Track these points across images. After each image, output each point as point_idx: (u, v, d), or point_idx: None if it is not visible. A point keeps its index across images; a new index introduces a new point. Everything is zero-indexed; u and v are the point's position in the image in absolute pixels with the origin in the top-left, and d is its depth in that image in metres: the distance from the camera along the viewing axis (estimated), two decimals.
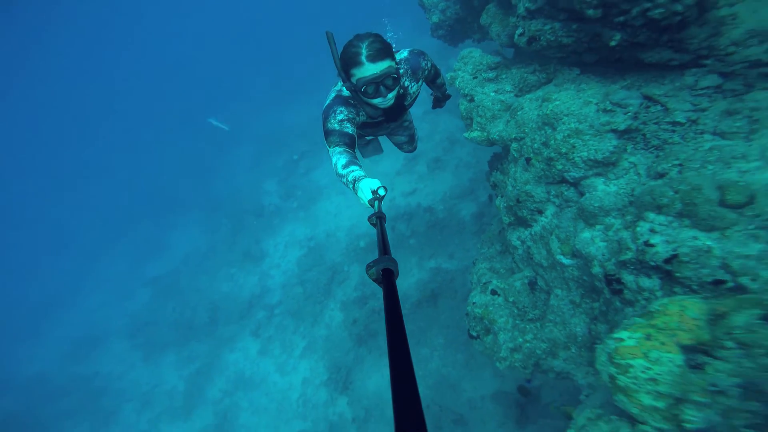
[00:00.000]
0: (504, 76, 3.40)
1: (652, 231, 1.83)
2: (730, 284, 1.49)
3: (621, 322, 1.62)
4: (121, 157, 20.81)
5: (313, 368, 6.62)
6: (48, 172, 25.05)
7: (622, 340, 1.29)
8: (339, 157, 1.78)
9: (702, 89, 2.21)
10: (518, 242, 2.99)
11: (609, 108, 2.37)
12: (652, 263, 1.79)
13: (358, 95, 1.83)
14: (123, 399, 7.88)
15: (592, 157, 2.32)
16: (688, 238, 1.69)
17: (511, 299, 2.84)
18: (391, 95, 1.82)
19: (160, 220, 12.66)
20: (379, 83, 1.73)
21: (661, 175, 2.04)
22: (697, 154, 1.95)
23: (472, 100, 3.41)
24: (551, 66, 3.01)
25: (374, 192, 1.53)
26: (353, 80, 1.75)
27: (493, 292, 2.95)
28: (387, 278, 0.76)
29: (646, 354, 1.20)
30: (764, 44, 2.03)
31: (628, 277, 1.95)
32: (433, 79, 2.38)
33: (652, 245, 1.80)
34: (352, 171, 1.69)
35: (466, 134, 3.43)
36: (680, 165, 1.97)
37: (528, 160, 2.72)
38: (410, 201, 6.89)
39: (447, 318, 5.45)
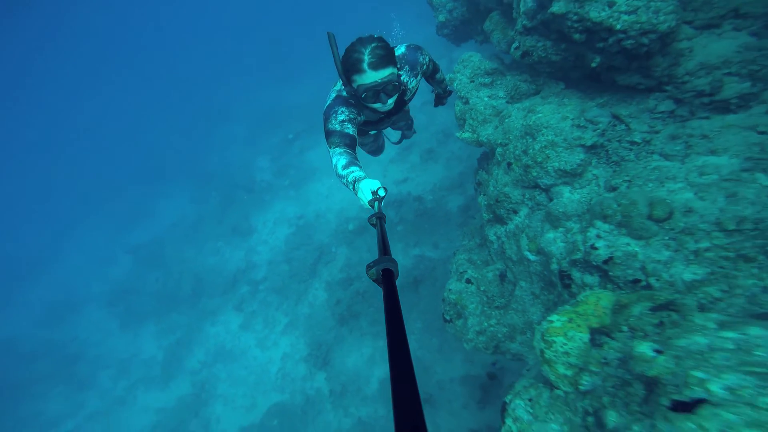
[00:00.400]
0: (499, 82, 3.75)
1: (598, 236, 2.24)
2: (643, 283, 1.92)
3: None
4: (114, 124, 20.77)
5: (293, 344, 7.05)
6: (38, 133, 24.86)
7: (552, 322, 1.70)
8: (339, 158, 1.83)
9: (659, 113, 2.61)
10: (494, 237, 3.40)
11: (582, 124, 2.76)
12: (594, 263, 2.21)
13: (358, 99, 1.88)
14: (99, 366, 8.23)
15: (562, 168, 2.72)
16: (622, 244, 2.11)
17: (482, 288, 3.27)
18: (391, 100, 1.87)
19: (149, 187, 12.86)
20: (379, 91, 1.77)
21: (613, 189, 2.45)
22: (644, 172, 2.36)
23: (467, 102, 3.76)
24: (541, 78, 3.37)
25: (374, 193, 1.58)
26: (354, 85, 1.80)
27: (468, 281, 3.38)
28: (387, 279, 0.79)
29: (565, 333, 1.61)
30: (709, 76, 2.43)
31: (576, 274, 2.37)
32: (431, 74, 2.44)
33: (596, 248, 2.21)
34: (353, 172, 1.74)
35: (458, 134, 3.79)
36: (629, 181, 2.37)
37: (509, 164, 3.11)
38: (401, 189, 7.26)
39: (426, 304, 5.91)
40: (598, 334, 1.57)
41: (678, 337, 1.32)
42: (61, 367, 8.55)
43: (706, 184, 2.04)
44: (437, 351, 5.55)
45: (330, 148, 1.91)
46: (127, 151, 16.60)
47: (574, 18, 2.56)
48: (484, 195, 3.54)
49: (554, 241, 2.65)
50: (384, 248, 0.95)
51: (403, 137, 3.41)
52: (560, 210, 2.68)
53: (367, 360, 6.02)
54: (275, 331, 7.43)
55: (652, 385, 1.35)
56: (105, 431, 7.25)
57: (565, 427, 1.56)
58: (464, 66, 3.91)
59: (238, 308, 7.82)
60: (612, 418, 1.40)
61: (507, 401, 1.92)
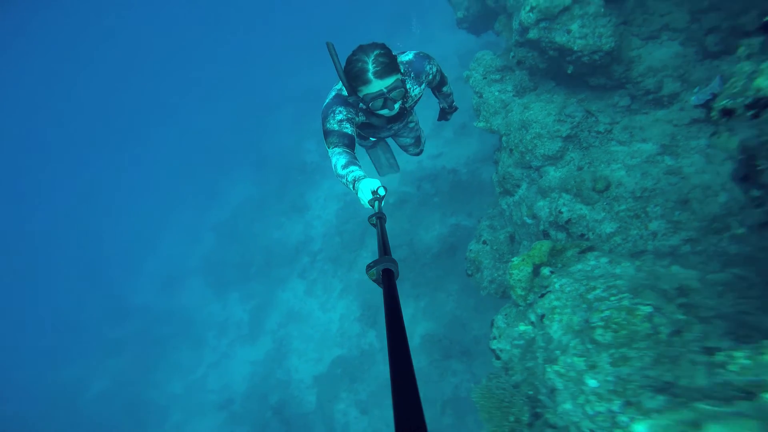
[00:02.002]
0: (508, 77, 4.81)
1: (564, 204, 3.43)
2: (586, 236, 3.12)
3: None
4: (177, 119, 24.14)
5: (348, 307, 8.72)
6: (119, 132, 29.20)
7: (513, 261, 2.95)
8: (338, 158, 1.94)
9: (620, 107, 3.65)
10: (505, 206, 4.61)
11: (562, 119, 3.85)
12: (560, 223, 3.41)
13: (364, 106, 2.00)
14: (205, 327, 10.70)
15: (546, 154, 3.86)
16: (577, 209, 3.29)
17: (495, 247, 4.53)
18: (398, 105, 1.99)
19: (216, 173, 15.37)
20: (386, 98, 1.88)
21: (580, 168, 3.58)
22: (601, 155, 3.47)
23: (481, 96, 4.88)
24: (537, 76, 4.42)
25: (374, 192, 1.68)
26: (360, 95, 1.90)
27: (484, 242, 4.65)
28: (387, 279, 0.85)
29: (519, 268, 2.85)
30: (654, 78, 3.43)
31: (552, 232, 3.58)
32: (438, 86, 2.58)
33: (561, 213, 3.41)
34: (352, 171, 1.85)
35: (475, 123, 4.95)
36: (590, 162, 3.50)
37: (511, 150, 4.27)
38: (436, 163, 8.45)
39: (462, 268, 7.22)
40: (538, 267, 2.81)
41: (570, 266, 2.56)
42: (180, 330, 11.34)
43: (633, 164, 3.15)
44: (473, 309, 6.84)
45: (329, 148, 2.03)
46: (195, 141, 19.50)
47: (546, 41, 3.63)
48: (496, 173, 4.73)
49: (542, 208, 3.84)
50: (384, 248, 1.01)
51: (410, 154, 3.67)
52: (546, 184, 3.85)
53: (409, 318, 7.46)
54: (333, 296, 9.13)
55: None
56: (221, 377, 9.59)
57: (524, 326, 2.85)
58: (478, 64, 5.00)
59: (302, 276, 9.61)
60: (542, 309, 2.68)
61: (494, 318, 3.22)
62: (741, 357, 1.29)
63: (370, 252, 8.73)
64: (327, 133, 2.05)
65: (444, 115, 3.07)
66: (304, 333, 9.15)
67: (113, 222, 20.24)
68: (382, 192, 1.70)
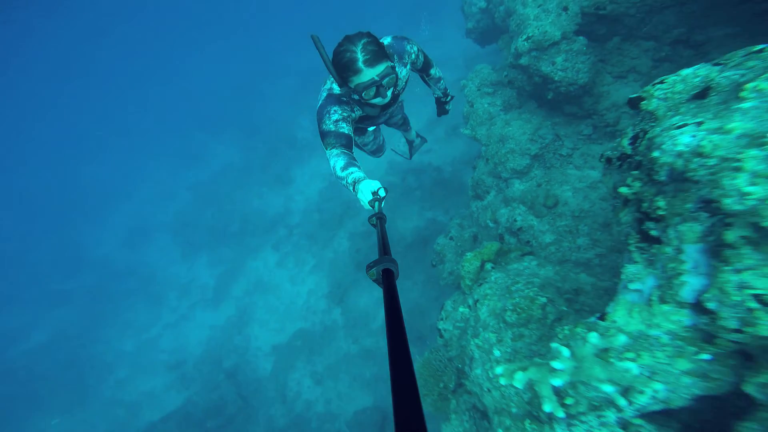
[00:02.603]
0: (499, 92, 5.43)
1: (519, 214, 4.10)
2: (532, 243, 3.79)
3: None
4: (176, 76, 24.24)
5: (318, 283, 9.33)
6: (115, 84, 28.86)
7: (466, 256, 3.60)
8: (337, 160, 1.99)
9: (583, 135, 4.32)
10: (474, 209, 5.27)
11: (534, 139, 4.50)
12: (513, 230, 4.08)
13: (357, 97, 2.04)
14: (167, 287, 11.09)
15: (515, 168, 4.51)
16: (528, 219, 3.96)
17: (459, 244, 5.20)
18: (390, 92, 2.05)
19: (204, 133, 15.58)
20: (379, 86, 1.93)
21: (539, 185, 4.25)
22: (559, 177, 4.14)
23: (472, 106, 5.48)
24: (524, 96, 5.05)
25: (374, 193, 1.72)
26: (351, 85, 1.94)
27: (451, 238, 5.31)
28: (387, 279, 0.87)
29: (471, 261, 3.51)
30: (616, 113, 4.10)
31: (506, 236, 4.25)
32: (424, 69, 2.63)
33: (516, 221, 4.08)
34: (352, 173, 1.89)
35: (462, 129, 5.56)
36: (548, 181, 4.17)
37: (487, 160, 4.91)
38: (423, 159, 9.07)
39: (431, 260, 7.91)
40: (485, 263, 3.47)
41: (509, 264, 3.22)
42: (140, 286, 11.65)
43: (580, 188, 3.83)
44: (434, 299, 7.56)
45: (326, 149, 2.09)
46: (189, 99, 19.63)
47: (534, 68, 4.25)
48: (472, 178, 5.37)
49: (503, 215, 4.51)
50: (384, 248, 1.06)
51: (412, 147, 4.00)
52: (510, 195, 4.52)
53: (375, 301, 8.12)
54: (304, 270, 9.72)
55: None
56: (176, 339, 10.05)
57: (463, 308, 3.52)
58: (475, 76, 5.60)
59: (276, 248, 10.16)
60: (478, 296, 3.35)
61: (444, 303, 3.88)
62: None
63: (347, 233, 9.31)
64: (324, 134, 2.11)
65: (442, 107, 3.14)
66: (270, 303, 9.72)
67: (89, 166, 20.27)
68: (382, 193, 1.78)
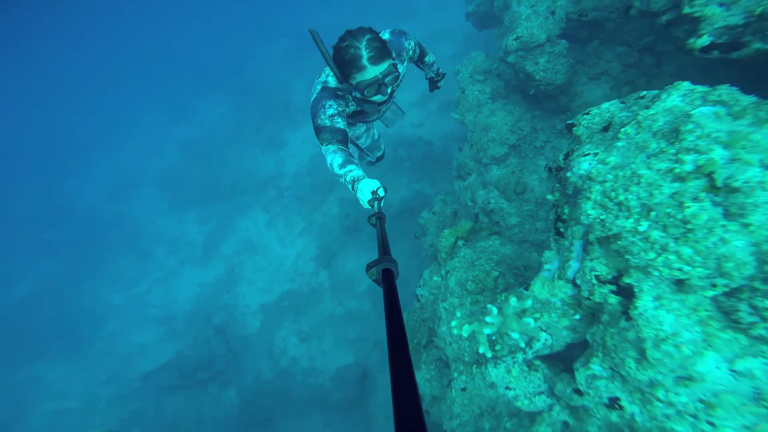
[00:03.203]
0: (489, 81, 6.03)
1: (493, 197, 4.85)
2: (501, 223, 4.57)
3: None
4: (167, 27, 23.94)
5: (306, 245, 10.09)
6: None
7: (444, 233, 4.36)
8: (334, 156, 2.01)
9: (556, 130, 5.02)
10: (457, 188, 6.00)
11: (514, 130, 5.19)
12: (487, 210, 4.85)
13: (358, 95, 2.09)
14: (156, 242, 11.76)
15: (494, 155, 5.22)
16: (500, 202, 4.72)
17: (440, 219, 5.96)
18: (390, 89, 2.10)
19: (194, 89, 15.81)
20: (381, 84, 1.97)
21: (512, 173, 4.98)
22: (530, 166, 4.87)
23: (463, 92, 6.09)
24: (510, 87, 5.67)
25: (374, 193, 1.77)
26: (353, 82, 1.98)
27: (433, 213, 6.07)
28: (387, 279, 0.90)
29: (447, 237, 4.26)
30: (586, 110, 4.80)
31: (481, 216, 5.02)
32: (420, 58, 2.74)
33: (489, 203, 4.84)
34: (350, 171, 1.93)
35: (452, 113, 6.19)
36: (521, 170, 4.90)
37: (471, 145, 5.60)
38: (415, 132, 9.69)
39: (414, 232, 8.68)
40: (458, 240, 4.24)
41: (477, 242, 3.99)
42: (127, 239, 12.31)
43: (545, 177, 4.57)
44: (415, 269, 8.35)
45: (322, 145, 2.12)
46: (178, 55, 19.68)
47: (519, 66, 4.88)
48: (456, 159, 6.07)
49: (480, 196, 5.25)
50: (384, 248, 1.10)
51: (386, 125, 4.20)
52: (488, 179, 5.25)
53: (362, 266, 8.93)
54: (293, 232, 10.46)
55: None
56: (165, 294, 10.83)
57: (437, 277, 4.30)
58: (469, 63, 6.17)
59: (265, 208, 10.85)
60: (449, 267, 4.13)
61: (423, 272, 4.67)
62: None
63: (338, 198, 9.96)
64: (319, 129, 2.14)
65: (434, 83, 3.32)
66: (258, 263, 10.50)
67: (75, 115, 20.36)
68: (381, 192, 1.82)
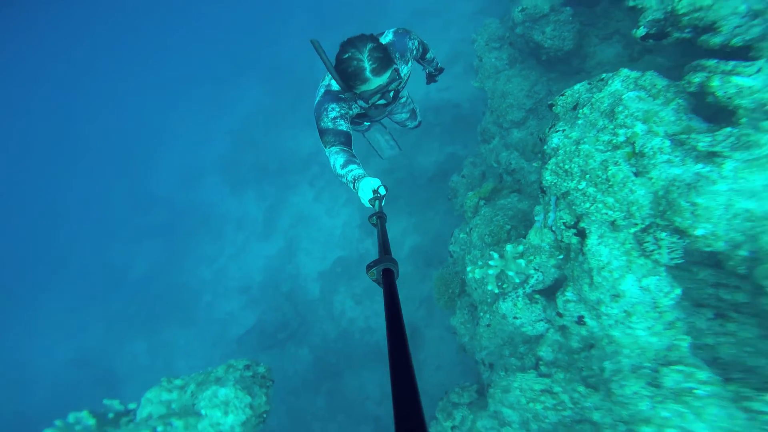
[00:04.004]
0: (505, 47, 6.50)
1: (514, 158, 5.49)
2: (519, 182, 5.23)
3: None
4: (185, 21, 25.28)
5: (350, 215, 11.07)
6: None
7: (468, 194, 5.07)
8: (336, 157, 2.12)
9: (574, 90, 5.50)
10: (483, 150, 6.64)
11: (530, 94, 5.73)
12: (509, 170, 5.50)
13: (363, 104, 2.19)
14: (223, 222, 13.32)
15: (513, 120, 5.80)
16: (521, 163, 5.36)
17: (469, 180, 6.65)
18: (392, 93, 2.19)
19: (224, 79, 17.00)
20: (385, 91, 2.07)
21: (531, 134, 5.56)
22: (545, 128, 5.43)
23: (481, 60, 6.61)
24: (525, 53, 6.14)
25: (375, 191, 1.84)
26: (356, 91, 2.08)
27: (463, 176, 6.77)
28: (387, 279, 0.94)
29: (471, 198, 4.98)
30: (602, 70, 5.25)
31: (504, 175, 5.69)
32: (422, 55, 2.85)
33: (511, 163, 5.49)
34: (352, 170, 2.02)
35: (473, 82, 6.75)
36: (538, 130, 5.47)
37: (492, 111, 6.19)
38: (442, 96, 10.21)
39: (425, 194, 9.34)
40: (480, 200, 4.96)
41: (497, 200, 4.71)
42: (201, 222, 14.04)
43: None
44: (452, 227, 9.10)
45: (325, 147, 2.21)
46: (201, 48, 21.41)
47: (528, 36, 5.38)
48: (480, 125, 6.67)
49: (504, 157, 5.89)
50: (384, 248, 1.12)
51: (409, 128, 4.39)
52: (510, 141, 5.86)
53: (401, 231, 9.75)
54: (338, 203, 11.46)
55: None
56: (240, 268, 12.39)
57: (463, 234, 5.07)
58: (484, 30, 6.65)
59: (311, 184, 11.90)
60: (472, 225, 4.89)
61: (454, 231, 5.44)
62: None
63: (373, 170, 10.81)
64: (322, 132, 2.25)
65: (431, 78, 3.50)
66: (312, 235, 11.66)
67: (124, 116, 22.65)
68: (382, 191, 1.86)
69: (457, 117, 9.78)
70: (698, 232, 1.91)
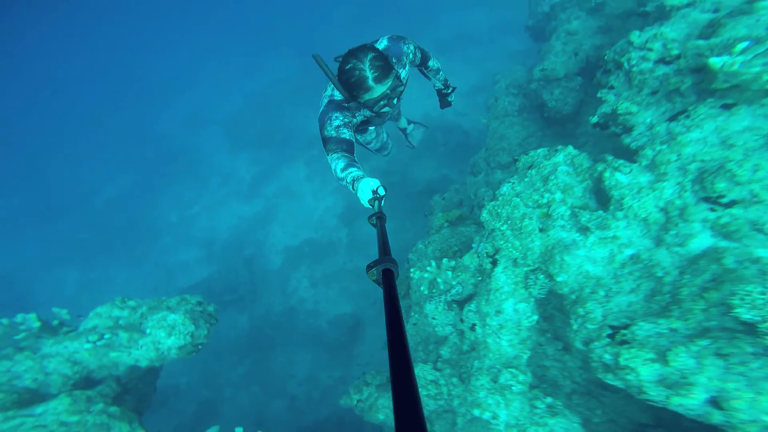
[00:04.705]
0: (520, 96, 7.33)
1: (488, 196, 6.32)
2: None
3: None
4: None
5: (335, 202, 11.85)
6: None
7: (438, 215, 5.87)
8: (338, 162, 2.25)
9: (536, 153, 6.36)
10: (468, 182, 7.45)
11: (522, 144, 6.56)
12: (481, 205, 6.33)
13: (368, 113, 2.35)
14: (211, 173, 14.12)
15: (500, 162, 6.63)
16: (488, 195, 6.20)
17: (447, 204, 7.46)
18: (396, 99, 2.31)
19: (264, 44, 18.11)
20: (388, 98, 2.20)
21: None
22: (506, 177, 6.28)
23: (496, 100, 7.43)
24: (534, 106, 6.98)
25: (374, 192, 1.90)
26: (360, 101, 2.20)
27: (443, 198, 7.57)
28: (387, 279, 0.94)
29: (438, 218, 5.78)
30: (586, 137, 6.12)
31: (475, 209, 6.50)
32: (422, 62, 2.91)
33: (484, 200, 6.31)
34: (351, 172, 2.14)
35: (482, 118, 7.57)
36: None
37: (486, 149, 7.00)
38: (456, 120, 11.07)
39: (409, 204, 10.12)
40: (446, 222, 5.76)
41: (459, 226, 5.52)
42: (191, 165, 14.99)
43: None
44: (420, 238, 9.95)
45: (328, 154, 2.34)
46: (250, 10, 22.79)
47: (538, 94, 6.23)
48: (473, 157, 7.50)
49: (482, 192, 6.69)
50: (384, 248, 1.16)
51: (407, 134, 4.73)
52: (491, 180, 6.67)
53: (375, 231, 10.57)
54: (326, 189, 12.23)
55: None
56: (210, 220, 13.14)
57: (421, 245, 5.86)
58: (509, 74, 7.51)
59: (307, 163, 12.67)
60: (431, 239, 5.69)
61: (416, 243, 6.23)
62: None
63: (371, 168, 11.60)
64: (325, 140, 2.36)
65: (443, 98, 3.52)
66: (291, 209, 12.42)
67: (155, 56, 24.08)
68: (382, 192, 1.91)
69: (462, 144, 10.63)
70: (559, 278, 2.72)
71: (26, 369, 3.71)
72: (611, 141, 3.71)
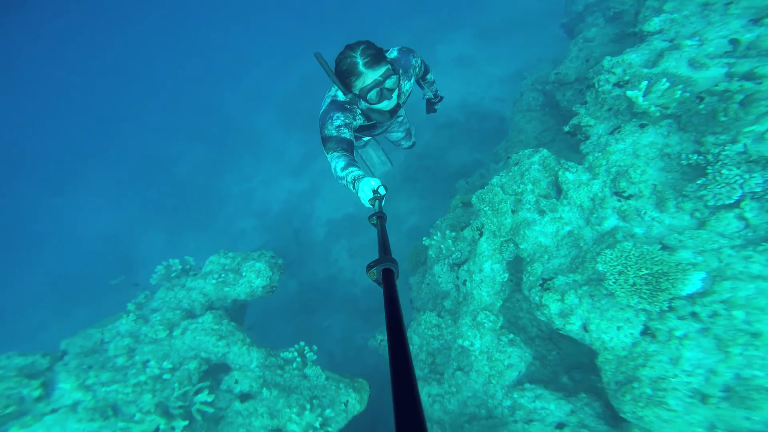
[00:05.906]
0: (543, 92, 8.31)
1: None
2: None
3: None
4: None
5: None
6: None
7: (456, 197, 7.05)
8: (338, 161, 2.33)
9: (522, 153, 7.37)
10: (491, 168, 8.56)
11: (537, 137, 7.60)
12: None
13: (362, 102, 2.42)
14: (268, 150, 16.27)
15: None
16: None
17: (470, 187, 8.62)
18: (395, 95, 2.43)
19: (320, 29, 20.44)
20: (382, 88, 2.28)
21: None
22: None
23: (521, 95, 8.46)
24: (552, 102, 7.96)
25: (375, 191, 1.97)
26: (355, 90, 2.31)
27: (467, 182, 8.74)
28: (387, 279, 0.98)
29: (455, 200, 6.97)
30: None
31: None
32: (423, 75, 3.12)
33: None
34: (351, 172, 2.20)
35: (506, 112, 8.61)
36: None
37: (507, 140, 8.08)
38: (494, 106, 12.08)
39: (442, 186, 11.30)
40: (461, 203, 6.95)
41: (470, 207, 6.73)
42: (251, 143, 17.23)
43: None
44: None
45: (327, 153, 2.45)
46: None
47: (552, 94, 7.22)
48: (496, 147, 8.58)
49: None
50: (384, 248, 1.22)
51: (403, 148, 4.94)
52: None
53: (408, 210, 11.70)
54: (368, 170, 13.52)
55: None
56: (265, 194, 15.02)
57: (439, 221, 7.10)
58: (536, 71, 8.48)
59: None
60: (447, 217, 6.92)
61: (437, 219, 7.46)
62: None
63: (402, 152, 12.78)
64: (325, 139, 2.48)
65: (431, 105, 3.86)
66: (335, 186, 13.83)
67: (227, 42, 27.21)
68: (382, 191, 2.02)
69: (498, 129, 11.63)
70: (522, 246, 3.94)
71: (183, 297, 5.66)
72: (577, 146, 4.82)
